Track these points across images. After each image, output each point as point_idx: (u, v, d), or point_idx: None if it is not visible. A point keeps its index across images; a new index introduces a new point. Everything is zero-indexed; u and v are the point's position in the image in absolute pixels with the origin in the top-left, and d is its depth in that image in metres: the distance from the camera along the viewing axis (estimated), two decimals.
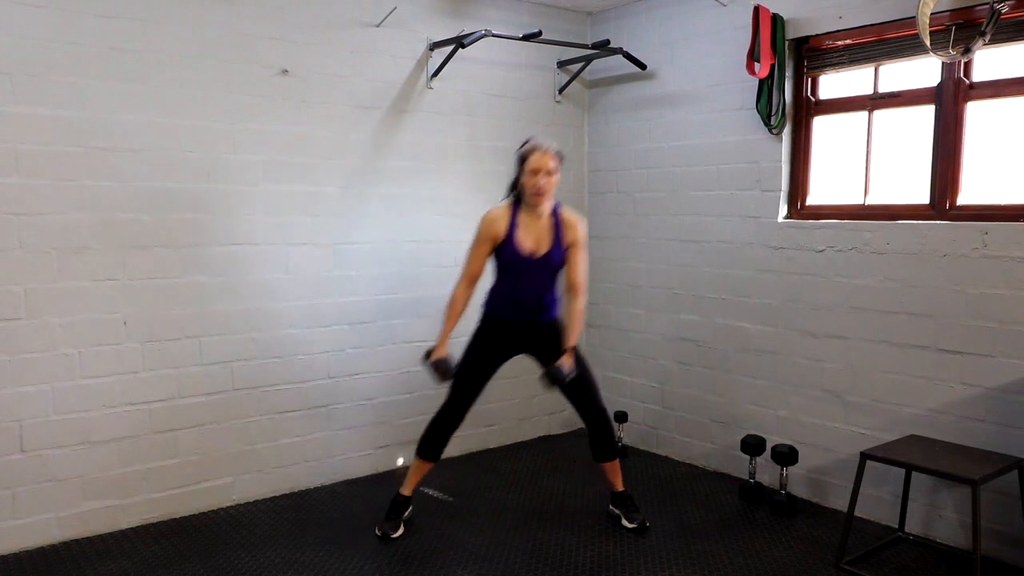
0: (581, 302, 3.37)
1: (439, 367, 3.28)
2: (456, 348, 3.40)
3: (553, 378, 3.27)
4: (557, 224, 3.33)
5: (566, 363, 3.26)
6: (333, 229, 3.95)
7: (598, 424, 3.45)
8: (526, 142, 3.33)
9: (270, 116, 3.70)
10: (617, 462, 3.55)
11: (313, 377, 3.95)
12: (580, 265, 3.37)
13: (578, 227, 3.37)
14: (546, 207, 3.32)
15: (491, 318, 3.44)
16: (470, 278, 3.34)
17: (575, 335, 3.34)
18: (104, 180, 3.30)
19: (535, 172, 3.22)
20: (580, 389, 3.40)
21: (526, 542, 3.36)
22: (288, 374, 3.87)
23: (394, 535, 3.38)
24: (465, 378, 3.40)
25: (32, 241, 3.16)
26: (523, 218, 3.30)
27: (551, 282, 3.38)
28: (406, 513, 3.49)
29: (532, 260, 3.29)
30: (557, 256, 3.32)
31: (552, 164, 3.25)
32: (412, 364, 4.27)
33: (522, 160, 3.27)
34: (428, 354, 3.32)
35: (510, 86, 4.53)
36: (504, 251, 3.29)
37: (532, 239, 3.30)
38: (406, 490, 3.49)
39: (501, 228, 3.28)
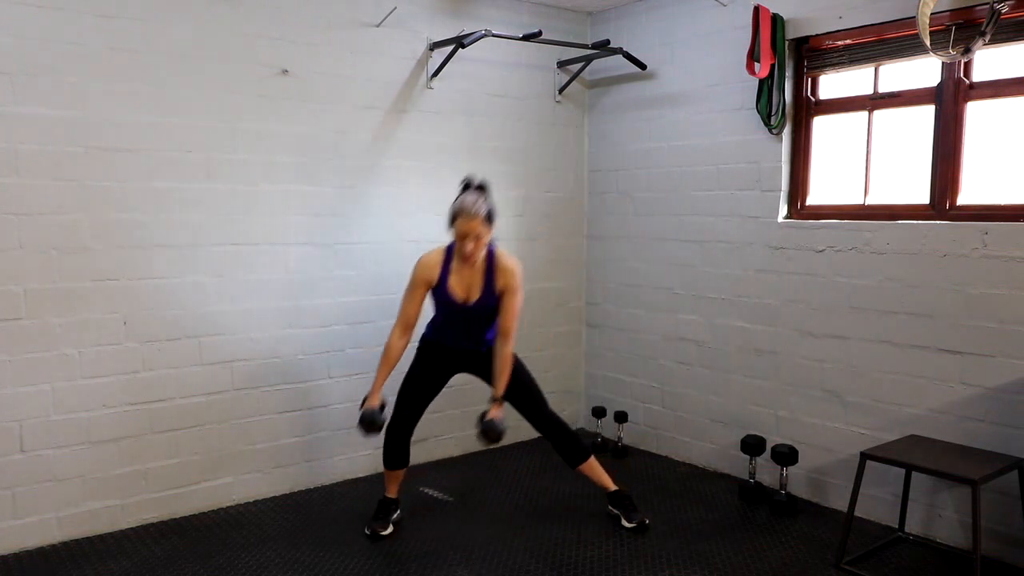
0: (509, 348, 3.29)
1: (367, 418, 3.24)
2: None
3: (490, 433, 3.21)
4: (490, 270, 3.26)
5: (497, 414, 3.22)
6: (333, 229, 3.95)
7: (555, 431, 3.47)
8: (459, 195, 3.22)
9: (270, 116, 3.70)
10: (593, 460, 3.54)
11: (313, 377, 3.95)
12: (512, 311, 3.27)
13: (512, 273, 3.25)
14: (480, 253, 3.22)
15: (431, 340, 3.46)
16: (404, 324, 3.31)
17: (503, 383, 3.28)
18: (104, 180, 3.30)
19: (462, 237, 3.15)
20: (527, 403, 3.44)
21: (526, 542, 3.36)
22: (288, 374, 3.87)
23: (383, 532, 3.40)
24: (407, 397, 3.44)
25: (32, 241, 3.16)
26: (457, 264, 3.26)
27: (487, 325, 3.37)
28: (395, 515, 3.52)
29: (464, 307, 3.28)
30: (488, 303, 3.28)
31: (479, 229, 3.13)
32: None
33: (452, 219, 3.18)
34: (364, 401, 3.30)
35: (510, 86, 4.53)
36: (437, 295, 3.30)
37: (464, 286, 3.27)
38: (390, 493, 3.54)
39: (434, 274, 3.26)
